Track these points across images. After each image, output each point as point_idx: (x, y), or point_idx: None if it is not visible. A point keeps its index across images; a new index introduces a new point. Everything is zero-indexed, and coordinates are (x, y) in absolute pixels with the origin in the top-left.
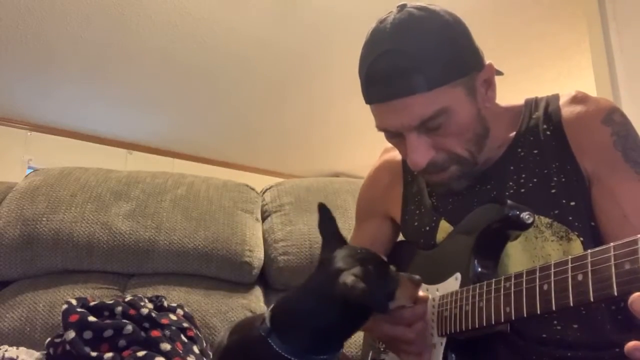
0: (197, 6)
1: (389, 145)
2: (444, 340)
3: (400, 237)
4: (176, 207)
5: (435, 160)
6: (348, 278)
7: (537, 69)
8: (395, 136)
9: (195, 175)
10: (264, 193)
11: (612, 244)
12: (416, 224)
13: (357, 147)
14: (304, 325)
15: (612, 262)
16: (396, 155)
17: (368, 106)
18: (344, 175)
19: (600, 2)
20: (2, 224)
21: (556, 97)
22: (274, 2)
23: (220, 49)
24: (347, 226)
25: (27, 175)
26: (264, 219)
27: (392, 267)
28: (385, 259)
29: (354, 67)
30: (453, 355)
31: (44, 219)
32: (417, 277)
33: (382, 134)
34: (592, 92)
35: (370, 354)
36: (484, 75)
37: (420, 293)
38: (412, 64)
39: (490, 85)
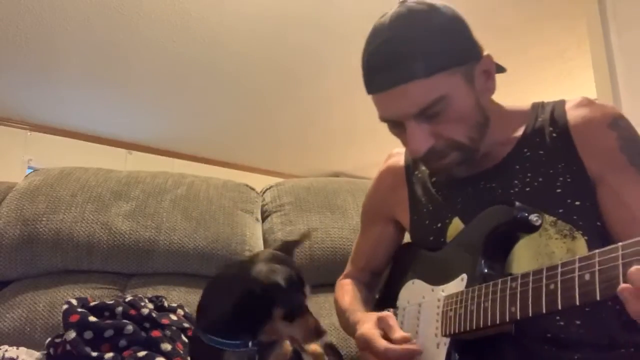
0: (196, 5)
1: (394, 150)
2: (447, 340)
3: (406, 239)
4: (176, 207)
5: (434, 148)
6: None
7: (537, 69)
8: (396, 126)
9: (195, 175)
10: (264, 193)
11: (620, 243)
12: (427, 222)
13: (357, 147)
14: (217, 311)
15: (620, 261)
16: (399, 160)
17: (368, 106)
18: (344, 175)
19: (600, 2)
20: (2, 224)
21: (562, 102)
22: (274, 1)
23: (221, 49)
24: (347, 226)
25: (27, 175)
26: (264, 219)
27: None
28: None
29: (355, 66)
30: (457, 355)
31: (44, 219)
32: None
33: (382, 134)
34: (592, 92)
35: None
36: (482, 65)
37: (411, 346)
38: (411, 51)
39: (489, 76)
